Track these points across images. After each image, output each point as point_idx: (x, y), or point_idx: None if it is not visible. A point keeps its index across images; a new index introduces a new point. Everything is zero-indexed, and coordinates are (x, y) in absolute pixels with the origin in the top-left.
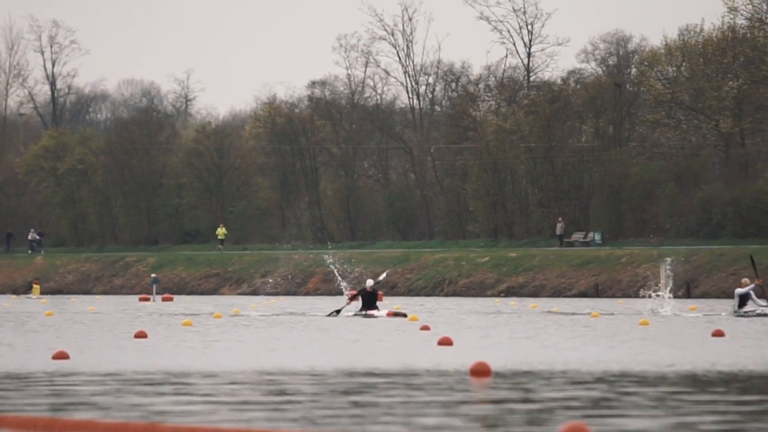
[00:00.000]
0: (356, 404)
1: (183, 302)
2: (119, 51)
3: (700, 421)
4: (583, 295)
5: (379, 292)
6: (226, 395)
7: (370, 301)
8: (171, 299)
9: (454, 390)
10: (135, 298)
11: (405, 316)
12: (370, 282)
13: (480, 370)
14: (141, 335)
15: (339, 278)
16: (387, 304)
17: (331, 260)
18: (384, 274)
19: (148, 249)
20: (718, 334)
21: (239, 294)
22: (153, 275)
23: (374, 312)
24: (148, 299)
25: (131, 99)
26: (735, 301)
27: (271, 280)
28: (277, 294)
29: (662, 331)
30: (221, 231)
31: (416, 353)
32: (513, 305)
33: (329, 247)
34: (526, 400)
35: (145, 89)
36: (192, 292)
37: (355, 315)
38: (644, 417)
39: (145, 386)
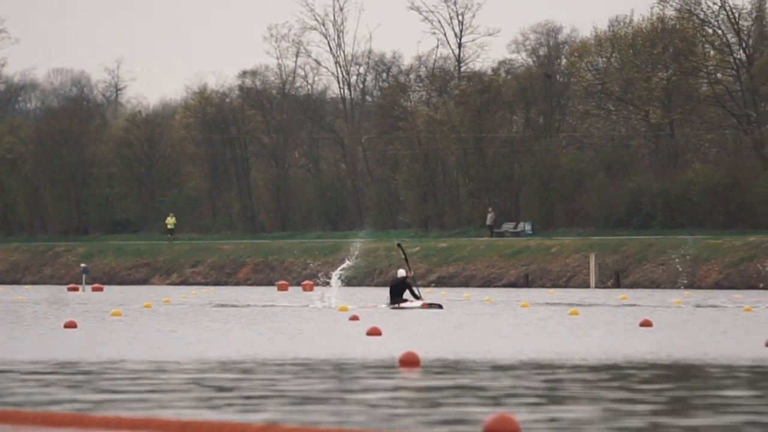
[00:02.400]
0: (283, 394)
1: (113, 292)
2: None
3: (630, 410)
4: (513, 285)
5: (410, 272)
6: (151, 385)
7: (400, 291)
8: (101, 289)
9: (383, 380)
10: (64, 287)
11: (441, 307)
12: (401, 272)
13: (409, 360)
14: (71, 325)
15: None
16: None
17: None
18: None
19: (77, 239)
20: (646, 324)
21: (169, 284)
22: (82, 265)
23: (407, 304)
24: (77, 289)
25: (61, 88)
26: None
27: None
28: (207, 284)
29: (592, 321)
30: (170, 220)
31: (345, 344)
32: (444, 295)
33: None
34: (454, 391)
35: (75, 78)
36: (122, 282)
37: (393, 308)
38: (573, 406)
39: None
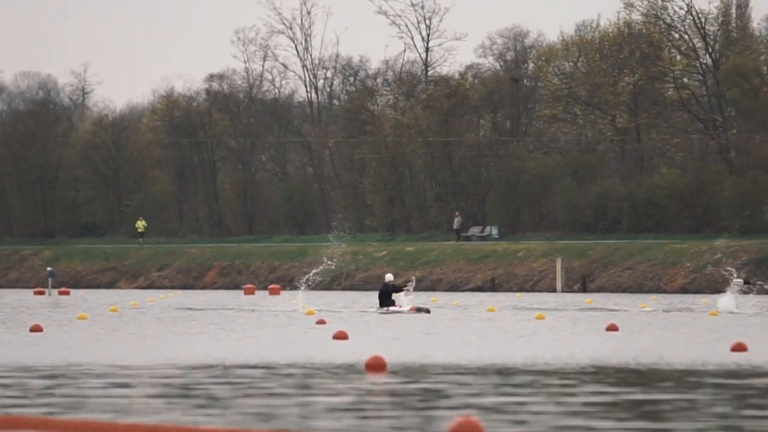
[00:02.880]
0: (248, 397)
1: (79, 296)
2: (16, 43)
3: (596, 413)
4: (479, 289)
5: (408, 288)
6: (117, 389)
7: (389, 296)
8: (67, 293)
9: (348, 384)
10: (30, 291)
11: (429, 311)
12: (389, 276)
13: (375, 365)
14: (36, 329)
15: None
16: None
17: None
18: (411, 288)
19: (44, 242)
20: (612, 328)
21: (136, 287)
22: (48, 269)
23: (395, 308)
24: (43, 293)
25: (28, 91)
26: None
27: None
28: (174, 288)
29: (558, 325)
30: (141, 224)
31: (311, 348)
32: (434, 301)
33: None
34: (419, 395)
35: (42, 82)
36: (88, 286)
37: (382, 313)
38: (538, 410)
39: (35, 380)
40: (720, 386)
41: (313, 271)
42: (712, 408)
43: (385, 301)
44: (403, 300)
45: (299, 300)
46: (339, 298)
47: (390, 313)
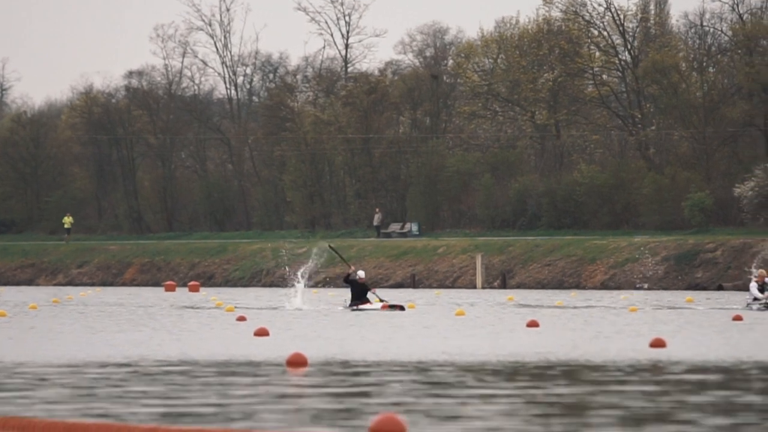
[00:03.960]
0: (167, 396)
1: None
2: None
3: (516, 410)
4: (400, 285)
5: (353, 269)
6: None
7: (361, 293)
8: None
9: (269, 381)
10: None
11: (403, 308)
12: (361, 273)
13: (296, 361)
14: None
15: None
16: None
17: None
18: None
19: None
20: (533, 324)
21: (55, 285)
22: None
23: (367, 306)
24: None
25: None
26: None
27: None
28: (93, 285)
29: (478, 321)
30: (68, 220)
31: (232, 345)
32: (332, 296)
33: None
34: (341, 391)
35: None
36: (7, 283)
37: (344, 309)
38: (459, 406)
39: None
40: (638, 381)
41: (304, 267)
42: (630, 402)
43: (358, 298)
44: (371, 297)
45: (299, 297)
46: (264, 295)
47: (360, 310)
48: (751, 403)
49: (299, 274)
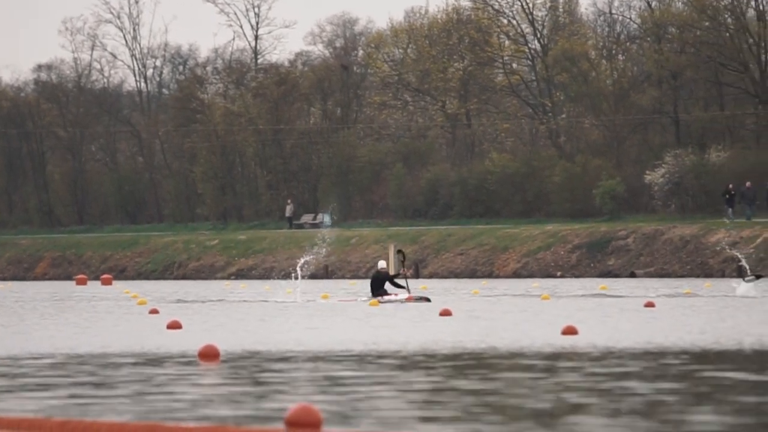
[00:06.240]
0: (77, 388)
1: None
2: None
3: (433, 400)
4: (313, 276)
5: (404, 270)
6: None
7: (381, 284)
8: None
9: (182, 373)
10: None
11: (429, 300)
12: (381, 263)
13: (208, 353)
14: None
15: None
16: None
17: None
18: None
19: None
20: (446, 313)
21: None
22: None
23: (390, 297)
24: None
25: None
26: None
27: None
28: (4, 279)
29: (392, 311)
30: None
31: (144, 337)
32: (243, 288)
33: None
34: (255, 382)
35: None
36: None
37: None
38: (375, 396)
39: None
40: (549, 369)
41: (304, 258)
42: (541, 389)
43: (378, 289)
44: (397, 290)
45: (298, 289)
46: (181, 288)
47: (384, 302)
48: (634, 389)
49: (298, 267)
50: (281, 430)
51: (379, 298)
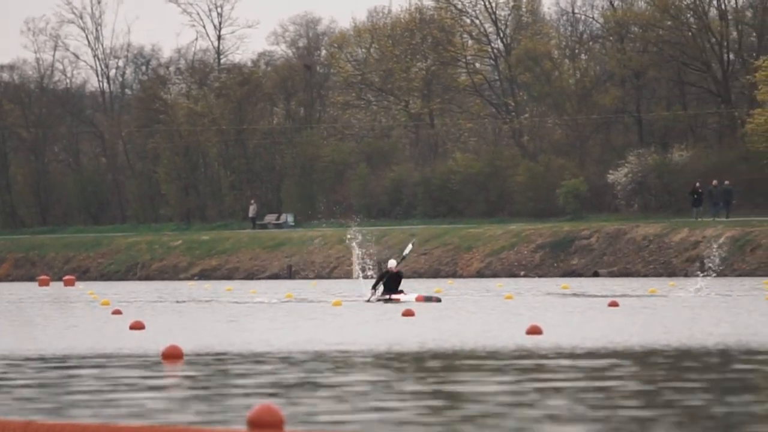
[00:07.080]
0: (42, 389)
1: None
2: None
3: (397, 400)
4: (276, 276)
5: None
6: None
7: (394, 284)
8: None
9: (145, 374)
10: None
11: (439, 300)
12: (392, 262)
13: (172, 354)
14: None
15: (358, 262)
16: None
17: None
18: (409, 246)
19: None
20: (408, 313)
21: None
22: None
23: (400, 297)
24: None
25: None
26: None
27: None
28: None
29: (355, 312)
30: None
31: (106, 338)
32: (208, 288)
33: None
34: (218, 383)
35: None
36: None
37: (378, 301)
38: (338, 396)
39: None
40: (516, 369)
41: (357, 260)
42: (509, 389)
43: (391, 289)
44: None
45: (361, 289)
46: (146, 288)
47: (393, 301)
48: (609, 387)
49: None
50: (244, 430)
51: (386, 296)
